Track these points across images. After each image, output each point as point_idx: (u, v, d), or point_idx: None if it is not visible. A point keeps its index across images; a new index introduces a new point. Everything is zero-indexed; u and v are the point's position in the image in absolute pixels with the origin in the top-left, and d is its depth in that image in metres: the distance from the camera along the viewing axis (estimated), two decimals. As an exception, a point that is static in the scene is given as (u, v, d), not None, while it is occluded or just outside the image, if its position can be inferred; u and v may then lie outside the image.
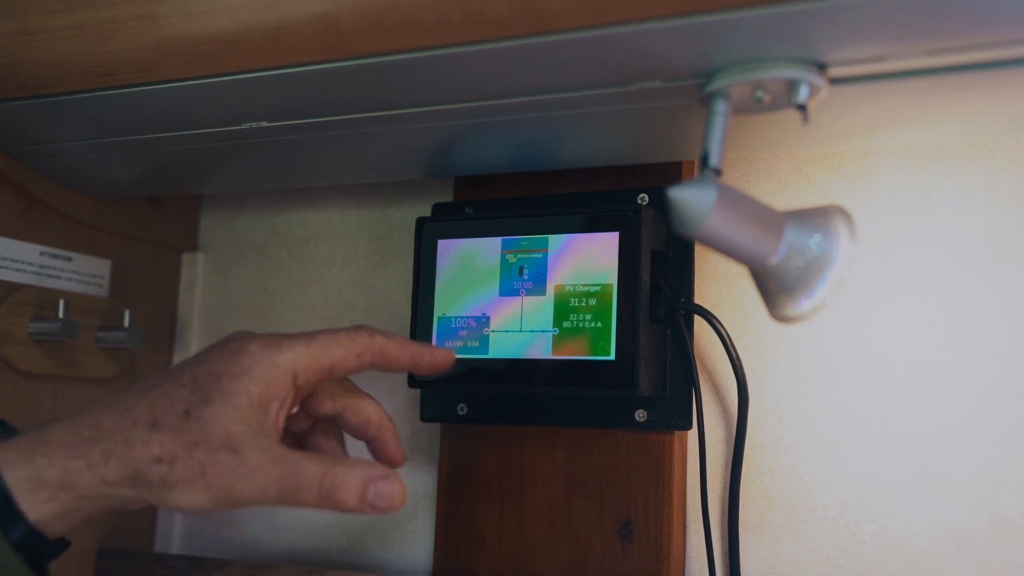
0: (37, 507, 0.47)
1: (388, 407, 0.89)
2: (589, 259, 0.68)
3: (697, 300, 0.72)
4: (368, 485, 0.48)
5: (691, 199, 0.49)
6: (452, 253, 0.73)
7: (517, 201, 0.78)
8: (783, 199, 0.73)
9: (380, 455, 0.58)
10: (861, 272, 0.70)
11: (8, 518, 0.46)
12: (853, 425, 0.69)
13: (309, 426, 0.58)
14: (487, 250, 0.71)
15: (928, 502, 0.66)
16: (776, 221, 0.52)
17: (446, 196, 0.84)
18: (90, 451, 0.47)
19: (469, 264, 0.72)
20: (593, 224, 0.68)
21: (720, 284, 0.74)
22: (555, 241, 0.69)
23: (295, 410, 0.56)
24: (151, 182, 0.84)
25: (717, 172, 0.51)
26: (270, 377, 0.50)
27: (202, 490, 0.47)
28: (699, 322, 0.71)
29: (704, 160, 0.52)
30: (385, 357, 0.55)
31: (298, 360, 0.51)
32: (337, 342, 0.53)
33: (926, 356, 0.67)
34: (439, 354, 0.57)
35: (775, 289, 0.53)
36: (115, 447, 0.47)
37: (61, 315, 0.79)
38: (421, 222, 0.74)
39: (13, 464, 0.47)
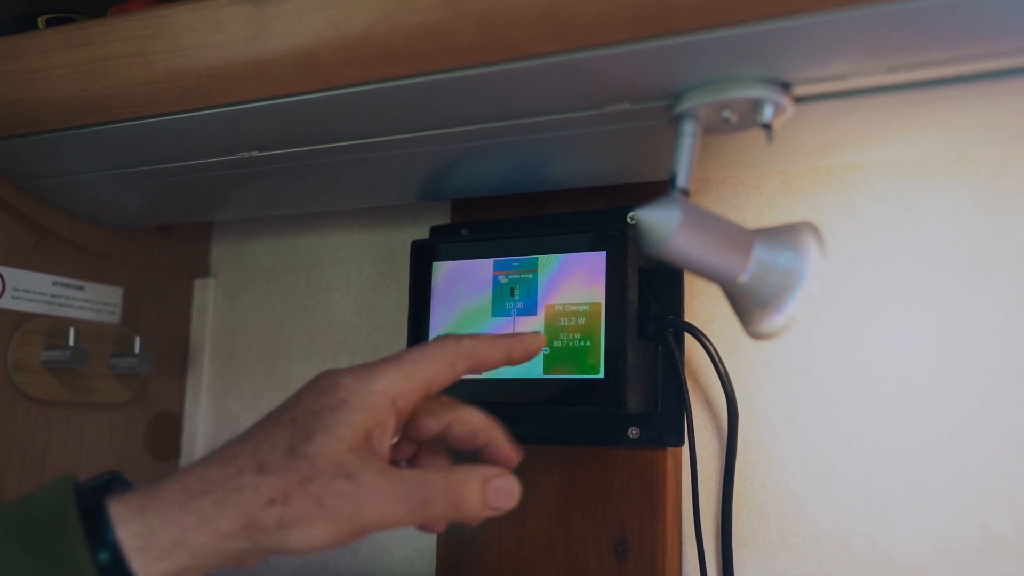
0: (150, 565, 0.44)
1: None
2: (578, 279, 0.69)
3: (688, 317, 0.73)
4: (487, 485, 0.48)
5: (656, 219, 0.50)
6: (446, 275, 0.74)
7: (511, 222, 0.79)
8: (773, 214, 0.73)
9: (494, 459, 0.55)
10: (849, 285, 0.70)
11: None
12: (844, 439, 0.69)
13: (414, 452, 0.56)
14: (480, 271, 0.73)
15: (918, 516, 0.66)
16: (744, 239, 0.52)
17: (445, 218, 0.85)
18: (201, 504, 0.45)
19: (463, 285, 0.73)
20: (581, 244, 0.69)
21: (712, 301, 0.74)
22: (545, 262, 0.70)
23: (396, 438, 0.54)
24: (158, 211, 0.87)
25: (685, 192, 0.52)
26: (368, 405, 0.48)
27: (324, 523, 0.45)
28: (691, 339, 0.71)
29: (672, 180, 0.53)
30: (477, 359, 0.53)
31: (392, 384, 0.49)
32: (427, 356, 0.51)
33: (915, 370, 0.67)
34: (528, 340, 0.55)
35: (748, 306, 0.54)
36: (225, 497, 0.45)
37: (71, 343, 0.81)
38: (416, 245, 0.76)
39: (127, 521, 0.45)
